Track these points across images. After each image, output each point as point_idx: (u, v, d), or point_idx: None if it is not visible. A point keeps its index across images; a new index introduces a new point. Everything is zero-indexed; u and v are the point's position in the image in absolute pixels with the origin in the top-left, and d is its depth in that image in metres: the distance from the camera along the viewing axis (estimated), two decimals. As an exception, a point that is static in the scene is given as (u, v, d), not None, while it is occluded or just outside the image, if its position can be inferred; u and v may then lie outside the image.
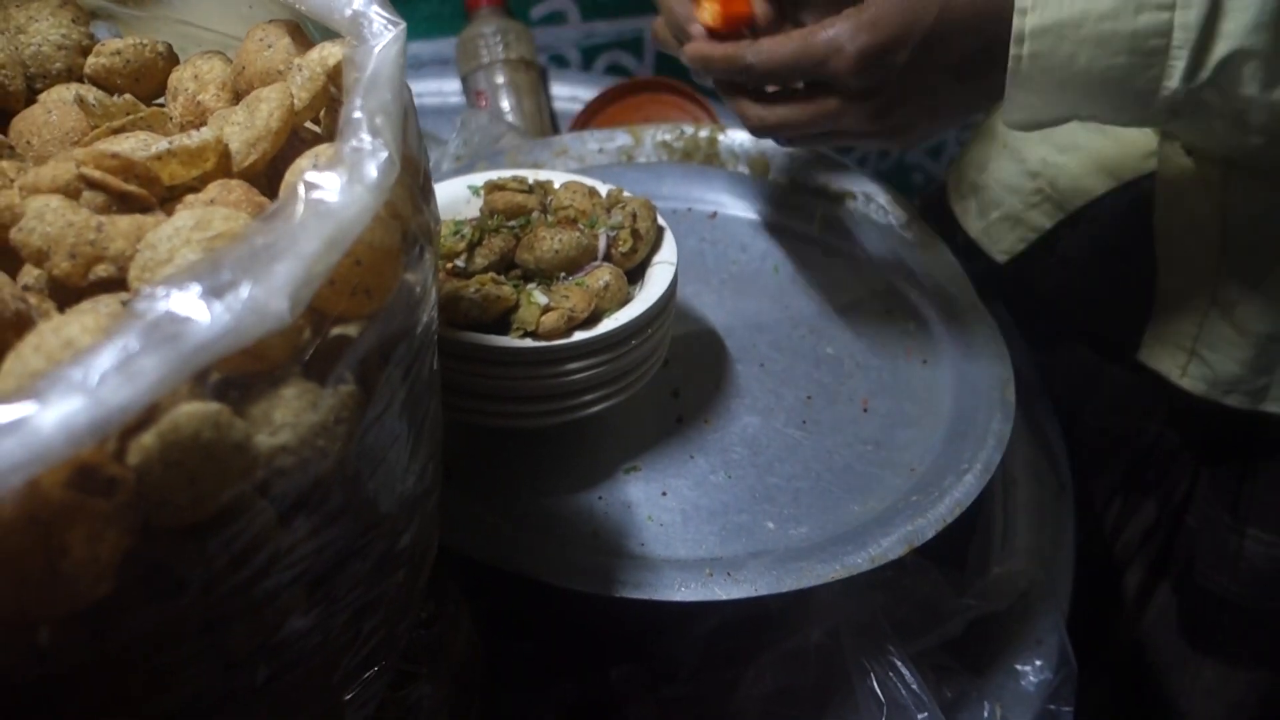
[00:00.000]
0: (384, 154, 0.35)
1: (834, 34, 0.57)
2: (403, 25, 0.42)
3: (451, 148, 0.88)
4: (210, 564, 0.33)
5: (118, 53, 0.51)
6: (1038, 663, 0.65)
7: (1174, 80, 0.54)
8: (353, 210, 0.34)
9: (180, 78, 0.51)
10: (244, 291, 0.30)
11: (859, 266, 0.82)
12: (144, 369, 0.27)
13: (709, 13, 0.62)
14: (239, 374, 0.34)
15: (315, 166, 0.40)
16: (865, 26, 0.57)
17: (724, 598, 0.55)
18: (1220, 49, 0.53)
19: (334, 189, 0.34)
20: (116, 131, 0.46)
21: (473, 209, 0.68)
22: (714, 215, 0.86)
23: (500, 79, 1.07)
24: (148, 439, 0.30)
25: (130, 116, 0.47)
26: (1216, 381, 0.75)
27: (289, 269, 0.31)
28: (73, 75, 0.51)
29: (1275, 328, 0.72)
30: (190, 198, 0.41)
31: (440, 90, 1.15)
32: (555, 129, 1.11)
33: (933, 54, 0.57)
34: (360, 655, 0.44)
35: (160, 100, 0.53)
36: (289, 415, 0.35)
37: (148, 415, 0.30)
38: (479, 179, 0.68)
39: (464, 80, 1.10)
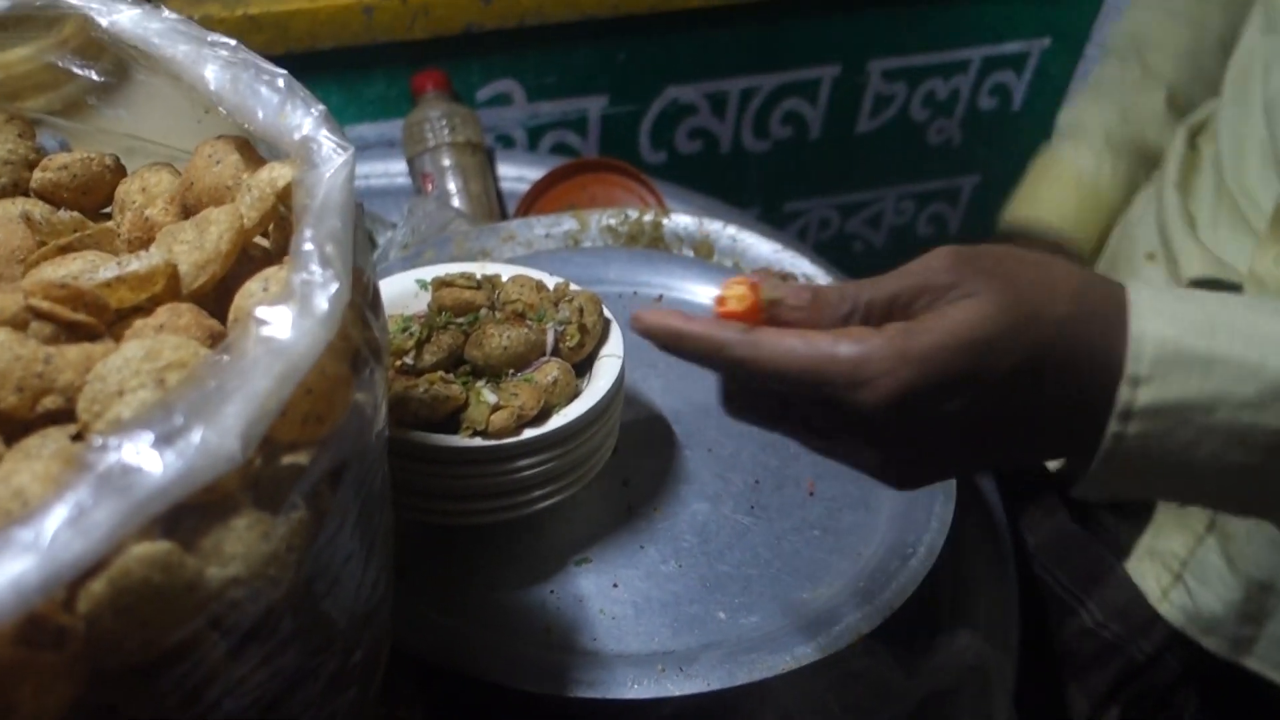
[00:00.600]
0: (334, 285, 0.36)
1: (867, 353, 0.41)
2: (351, 150, 0.43)
3: (399, 235, 0.89)
4: (160, 702, 0.33)
5: (64, 167, 0.51)
6: (987, 742, 0.66)
7: None
8: (304, 344, 0.34)
9: (128, 190, 0.51)
10: (195, 437, 0.30)
11: (802, 347, 0.84)
12: (97, 523, 0.27)
13: (736, 299, 0.46)
14: (190, 504, 0.35)
15: (265, 290, 0.41)
16: (915, 359, 0.41)
17: (677, 694, 0.56)
18: None
19: (285, 324, 0.34)
20: (64, 250, 0.47)
21: (421, 303, 0.69)
22: (659, 298, 0.87)
23: (446, 161, 1.09)
24: (98, 586, 0.30)
25: (78, 234, 0.47)
26: (1197, 616, 0.69)
27: (240, 409, 0.31)
28: (19, 189, 0.52)
29: (1272, 575, 0.65)
30: (139, 323, 0.41)
31: (387, 171, 1.16)
32: (502, 209, 1.13)
33: (996, 407, 0.42)
34: (309, 775, 0.44)
35: (108, 209, 0.53)
36: (240, 547, 0.35)
37: (98, 563, 0.30)
38: (427, 273, 0.69)
39: (410, 163, 1.11)
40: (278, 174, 0.45)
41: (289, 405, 0.36)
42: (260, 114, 0.45)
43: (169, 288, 0.43)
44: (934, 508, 0.69)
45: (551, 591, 0.64)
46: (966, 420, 0.42)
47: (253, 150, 0.49)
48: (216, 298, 0.45)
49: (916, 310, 0.43)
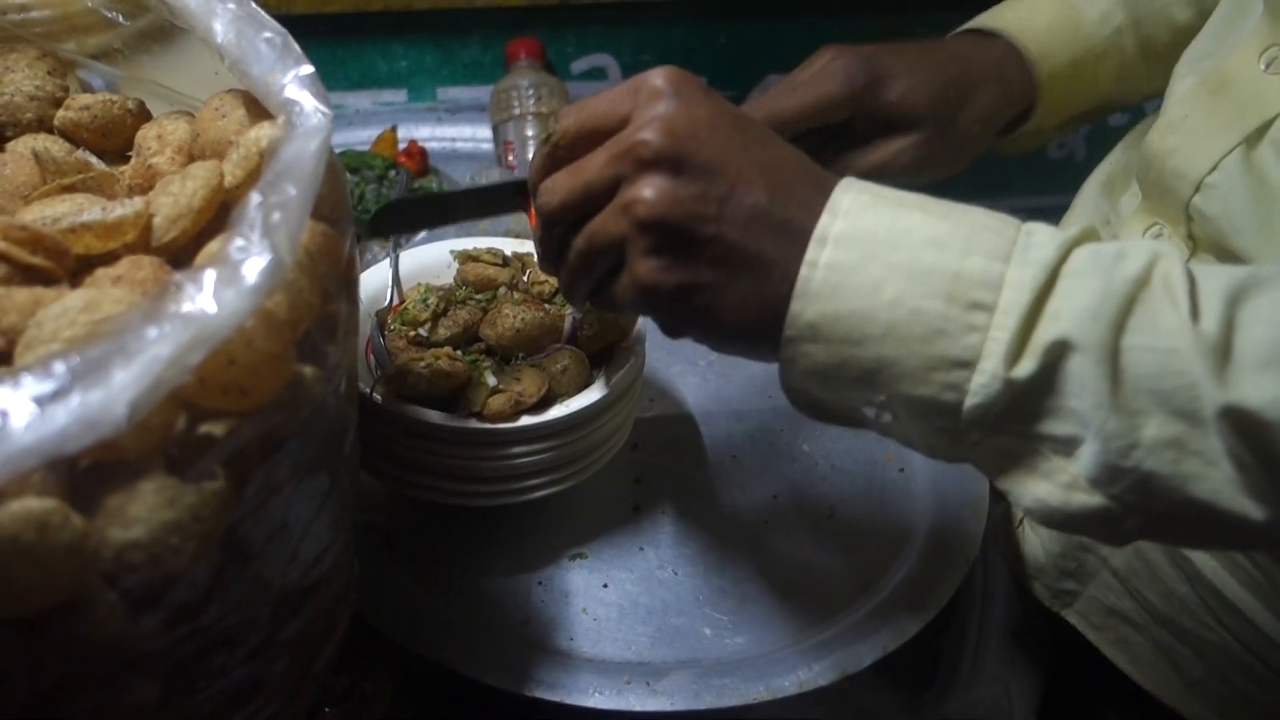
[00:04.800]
0: (268, 256, 0.35)
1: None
2: (329, 116, 0.42)
3: (458, 203, 0.88)
4: (39, 657, 0.33)
5: (86, 108, 0.51)
6: (984, 803, 0.62)
7: (992, 360, 0.40)
8: (222, 315, 0.33)
9: (145, 136, 0.51)
10: (74, 399, 0.29)
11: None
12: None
13: None
14: (97, 464, 0.34)
15: (191, 268, 0.40)
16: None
17: (637, 709, 0.54)
18: (1046, 329, 0.40)
19: (205, 291, 0.33)
20: (66, 189, 0.47)
21: (451, 274, 0.68)
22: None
23: (529, 131, 1.08)
24: (-40, 539, 0.29)
25: (80, 176, 0.48)
26: (1027, 558, 0.70)
27: (132, 375, 0.31)
28: (43, 126, 0.52)
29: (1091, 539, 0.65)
30: (100, 272, 0.41)
31: (474, 136, 1.15)
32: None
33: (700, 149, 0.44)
34: (232, 741, 0.44)
35: (131, 153, 0.54)
36: (143, 510, 0.34)
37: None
38: (460, 245, 0.68)
39: (495, 129, 1.10)
40: (264, 133, 0.44)
41: (207, 375, 0.36)
42: (255, 70, 0.44)
43: (141, 239, 0.43)
44: (957, 552, 0.64)
45: (540, 583, 0.62)
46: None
47: (260, 107, 0.49)
48: (194, 254, 0.45)
49: None
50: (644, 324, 0.65)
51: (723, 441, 0.73)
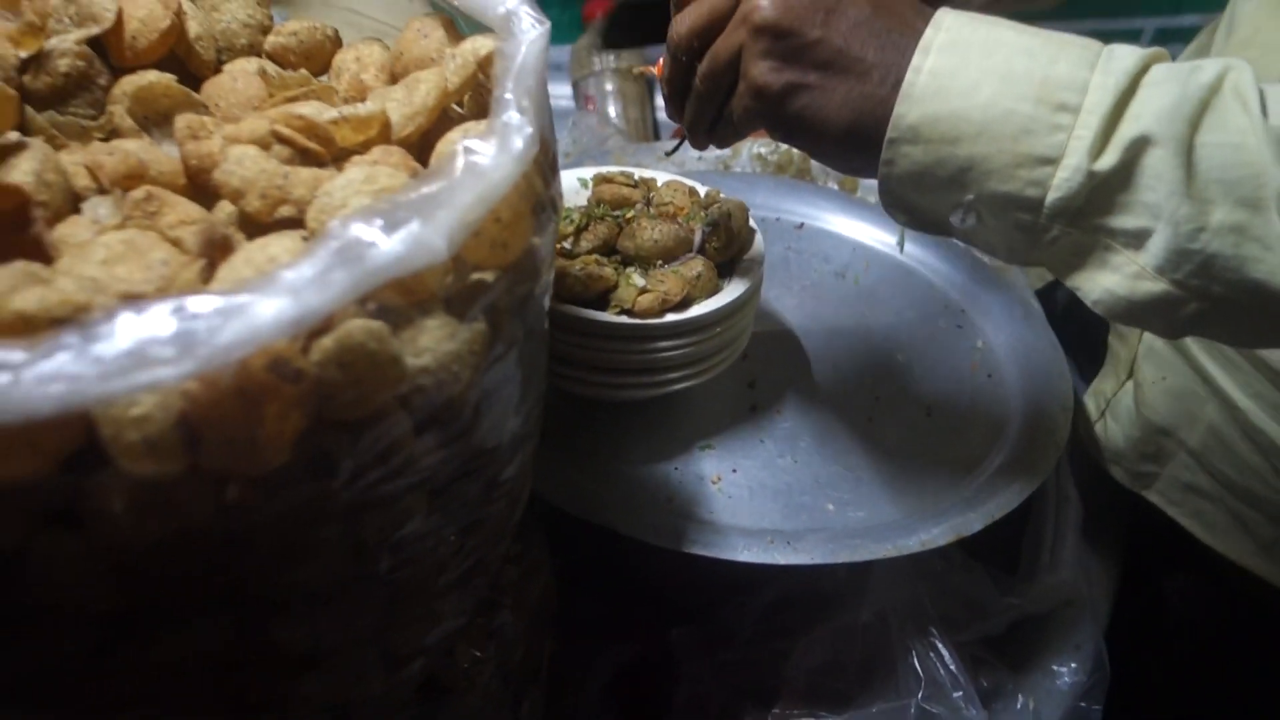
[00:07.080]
0: (528, 130, 0.42)
1: None
2: (547, 24, 0.48)
3: (562, 145, 0.95)
4: (359, 456, 0.40)
5: (294, 34, 0.58)
6: (1073, 665, 0.69)
7: (1075, 156, 0.46)
8: (500, 174, 0.40)
9: (344, 59, 0.58)
10: (414, 228, 0.36)
11: (936, 285, 0.87)
12: (336, 281, 0.34)
13: None
14: (393, 304, 0.41)
15: (468, 137, 0.47)
16: None
17: (782, 562, 0.60)
18: (1128, 128, 0.46)
19: (488, 155, 0.40)
20: (291, 100, 0.54)
21: (580, 199, 0.74)
22: (801, 226, 0.91)
23: (609, 86, 1.15)
24: (327, 341, 0.36)
25: (303, 89, 0.54)
26: (1107, 447, 0.79)
27: (448, 215, 0.37)
28: (253, 50, 0.59)
29: (1169, 423, 0.73)
30: (357, 159, 0.47)
31: (552, 94, 1.21)
32: (657, 137, 1.18)
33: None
34: (461, 568, 0.51)
35: (323, 77, 0.60)
36: (431, 341, 0.41)
37: (326, 324, 0.36)
38: (588, 172, 0.75)
39: (575, 85, 1.17)
40: (480, 44, 0.51)
41: (482, 228, 0.42)
42: (471, -9, 0.51)
43: (381, 134, 0.49)
44: (1048, 439, 0.71)
45: (675, 468, 0.69)
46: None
47: (455, 29, 0.56)
48: (419, 149, 0.51)
49: None
50: (762, 240, 0.72)
51: (823, 352, 0.79)
